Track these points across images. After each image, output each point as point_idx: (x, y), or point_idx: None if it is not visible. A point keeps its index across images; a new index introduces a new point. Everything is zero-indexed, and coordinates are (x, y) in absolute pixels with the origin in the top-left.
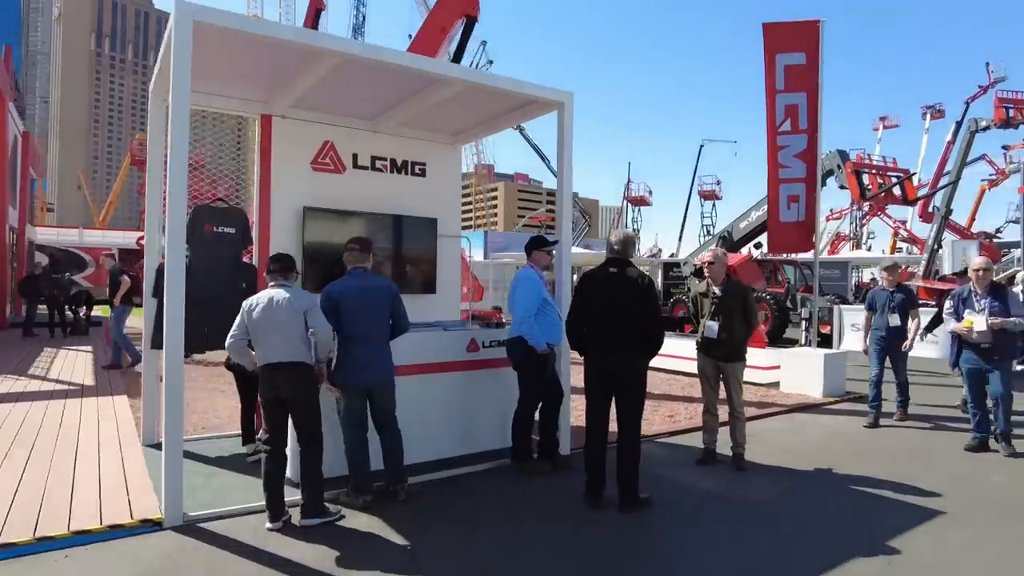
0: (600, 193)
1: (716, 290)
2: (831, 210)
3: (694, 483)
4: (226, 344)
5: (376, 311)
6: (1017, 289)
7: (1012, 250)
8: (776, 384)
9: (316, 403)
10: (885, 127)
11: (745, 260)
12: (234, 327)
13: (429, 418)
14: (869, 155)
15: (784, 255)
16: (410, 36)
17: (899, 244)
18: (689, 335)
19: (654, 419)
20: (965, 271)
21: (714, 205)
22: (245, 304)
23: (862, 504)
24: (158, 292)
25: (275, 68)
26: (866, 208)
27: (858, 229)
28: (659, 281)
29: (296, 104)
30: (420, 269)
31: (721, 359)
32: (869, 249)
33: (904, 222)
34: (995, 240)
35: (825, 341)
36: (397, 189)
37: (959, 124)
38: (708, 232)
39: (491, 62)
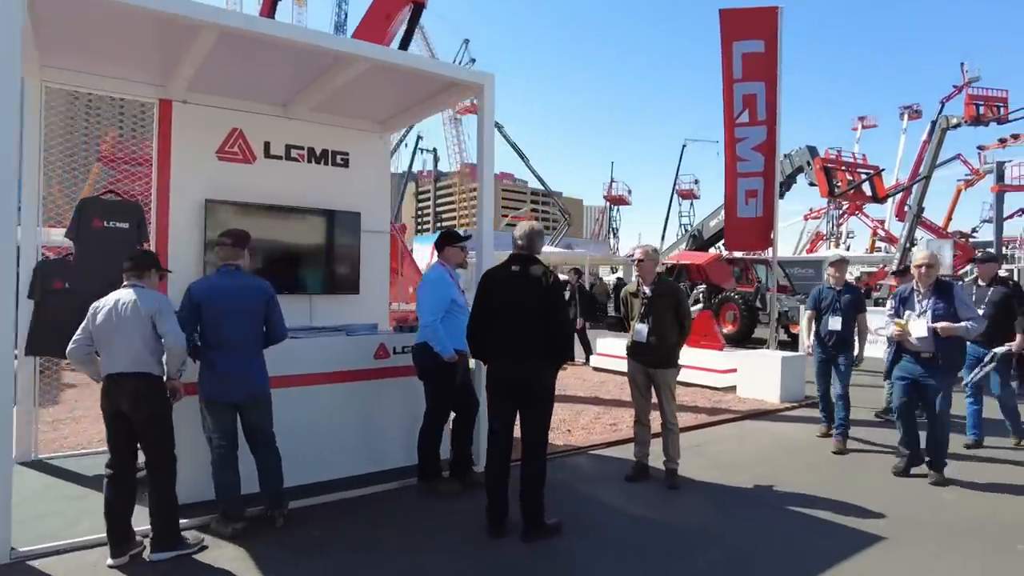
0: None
1: (646, 290)
2: (810, 209)
3: (618, 503)
4: (67, 351)
5: (246, 315)
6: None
7: (988, 250)
8: (733, 388)
9: (166, 421)
10: (864, 127)
11: (714, 259)
12: (78, 331)
13: (327, 433)
14: (839, 151)
15: (753, 253)
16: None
17: (878, 244)
18: None
19: (594, 427)
20: (907, 269)
21: (692, 204)
22: (91, 307)
23: (799, 527)
24: (33, 293)
25: (158, 45)
26: (844, 207)
27: (835, 228)
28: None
29: (196, 87)
30: (342, 268)
31: (651, 365)
32: (848, 248)
33: (882, 221)
34: (971, 240)
35: (796, 342)
36: (316, 181)
37: (934, 124)
38: (685, 231)
39: (473, 60)
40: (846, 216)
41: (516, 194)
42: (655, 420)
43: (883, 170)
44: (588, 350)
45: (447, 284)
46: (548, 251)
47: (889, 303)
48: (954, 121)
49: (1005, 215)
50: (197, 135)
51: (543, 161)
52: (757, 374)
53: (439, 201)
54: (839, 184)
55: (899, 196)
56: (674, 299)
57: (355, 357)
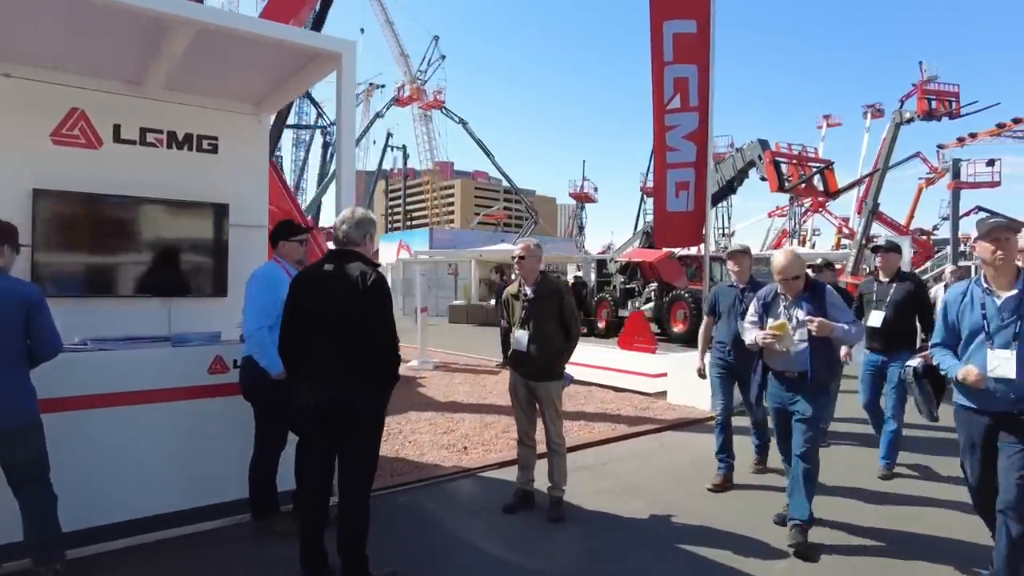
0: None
1: (528, 291)
2: (776, 206)
3: (483, 542)
4: None
5: None
6: (938, 287)
7: (947, 247)
8: (664, 394)
9: None
10: (829, 125)
11: (665, 257)
12: None
13: (140, 463)
14: (789, 144)
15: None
16: (362, 30)
17: (844, 241)
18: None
19: (497, 444)
20: (828, 265)
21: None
22: None
23: None
24: None
25: None
26: (806, 204)
27: (798, 226)
28: (592, 278)
29: (23, 59)
30: (205, 267)
31: (532, 377)
32: (813, 246)
33: (847, 219)
34: (932, 237)
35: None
36: (178, 168)
37: (899, 126)
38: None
39: (443, 57)
40: (809, 213)
41: (489, 192)
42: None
43: (833, 163)
44: None
45: (277, 285)
46: (505, 248)
47: (752, 307)
48: (907, 116)
49: (961, 212)
50: (23, 115)
51: (518, 160)
52: (689, 379)
53: (409, 199)
54: (789, 178)
55: (860, 193)
56: (557, 301)
57: (182, 372)
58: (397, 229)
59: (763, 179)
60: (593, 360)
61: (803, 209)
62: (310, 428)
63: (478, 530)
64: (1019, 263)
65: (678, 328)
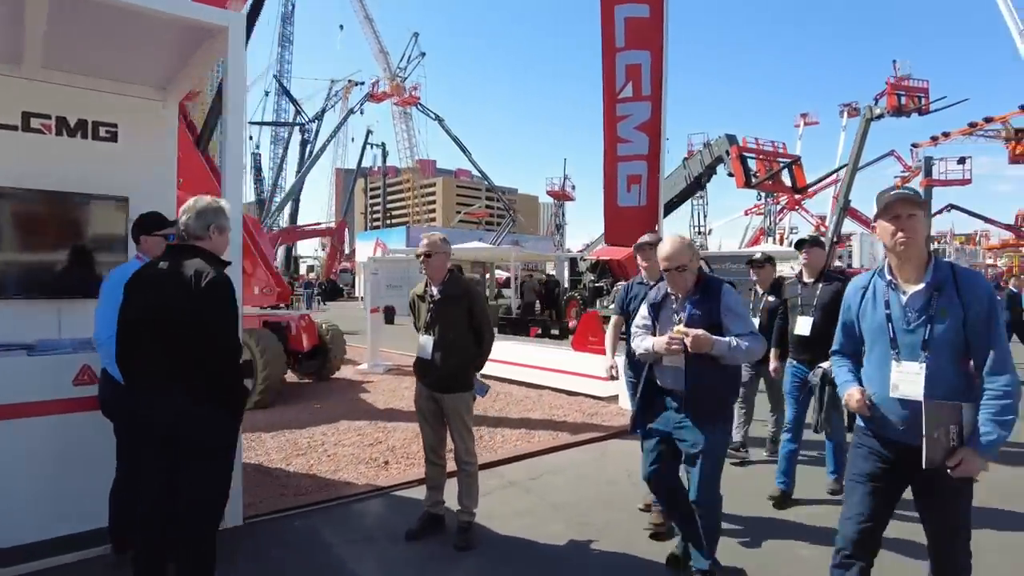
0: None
1: (434, 291)
2: (755, 204)
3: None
4: None
5: None
6: None
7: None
8: (616, 398)
9: None
10: (806, 124)
11: (632, 255)
12: None
13: None
14: (757, 140)
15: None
16: (341, 27)
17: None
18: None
19: (422, 458)
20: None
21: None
22: None
23: None
24: None
25: None
26: (783, 203)
27: (773, 224)
28: (565, 276)
29: None
30: (101, 266)
31: (437, 388)
32: (791, 244)
33: (824, 218)
34: None
35: None
36: (68, 158)
37: (869, 122)
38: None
39: (423, 54)
40: (785, 211)
41: (471, 190)
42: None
43: (800, 159)
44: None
45: None
46: (477, 247)
47: (642, 309)
48: (877, 112)
49: (934, 211)
50: None
51: (501, 159)
52: None
53: (390, 197)
54: (756, 174)
55: (836, 191)
56: (466, 302)
57: (41, 384)
58: (378, 227)
59: (730, 175)
60: (546, 362)
61: (779, 207)
62: (140, 450)
63: (368, 560)
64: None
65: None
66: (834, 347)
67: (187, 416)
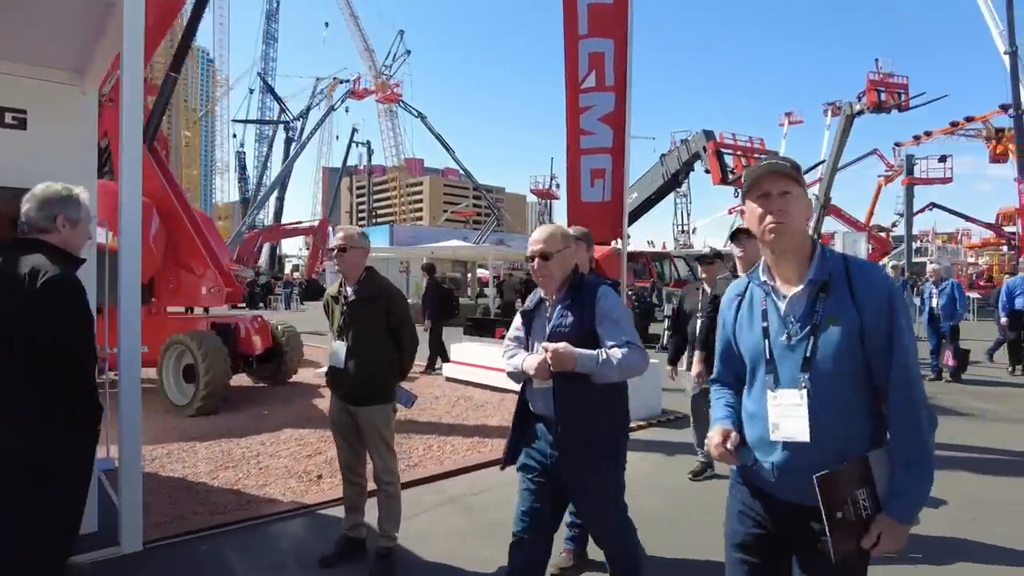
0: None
1: (349, 291)
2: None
3: None
4: None
5: None
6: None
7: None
8: None
9: None
10: (791, 123)
11: (609, 253)
12: None
13: None
14: (734, 135)
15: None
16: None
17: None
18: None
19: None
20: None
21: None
22: None
23: None
24: None
25: None
26: None
27: None
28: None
29: None
30: None
31: (351, 401)
32: None
33: (808, 218)
34: (891, 234)
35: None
36: None
37: (851, 118)
38: None
39: (408, 52)
40: None
41: (458, 189)
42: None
43: (777, 154)
44: (443, 356)
45: None
46: (453, 245)
47: (516, 319)
48: (857, 108)
49: (916, 209)
50: None
51: (489, 158)
52: None
53: (376, 196)
54: (733, 170)
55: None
56: (384, 303)
57: None
58: (364, 225)
59: (707, 171)
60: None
61: None
62: None
63: None
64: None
65: None
66: (712, 375)
67: (21, 440)
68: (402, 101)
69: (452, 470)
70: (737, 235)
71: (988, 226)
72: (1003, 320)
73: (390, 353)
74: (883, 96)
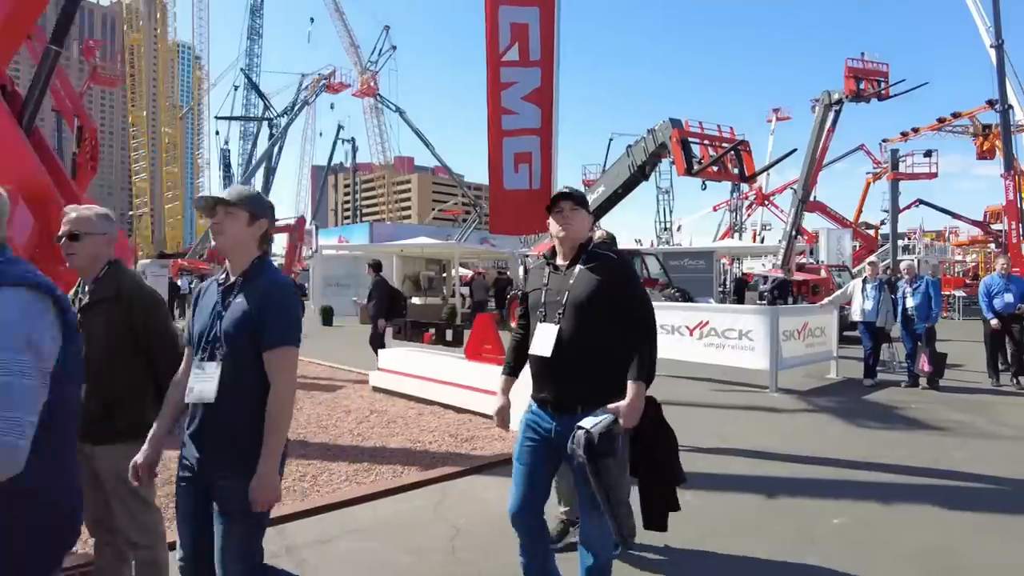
0: None
1: (84, 297)
2: (726, 200)
3: None
4: None
5: None
6: (854, 282)
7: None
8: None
9: None
10: (778, 119)
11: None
12: None
13: None
14: (701, 123)
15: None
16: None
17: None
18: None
19: None
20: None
21: None
22: None
23: None
24: None
25: None
26: (751, 198)
27: (739, 219)
28: (520, 274)
29: None
30: None
31: (85, 439)
32: (763, 241)
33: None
34: (879, 231)
35: None
36: None
37: (837, 113)
38: (598, 226)
39: (395, 47)
40: (753, 207)
41: (447, 187)
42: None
43: (746, 142)
44: None
45: None
46: (417, 242)
47: None
48: (835, 97)
49: (903, 206)
50: None
51: (481, 154)
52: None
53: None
54: (700, 160)
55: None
56: (124, 310)
57: None
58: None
59: (672, 162)
60: (437, 373)
61: (747, 203)
62: None
63: None
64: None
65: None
66: None
67: None
68: (379, 95)
69: (310, 508)
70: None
71: (975, 223)
72: (994, 323)
73: (136, 374)
74: (862, 84)
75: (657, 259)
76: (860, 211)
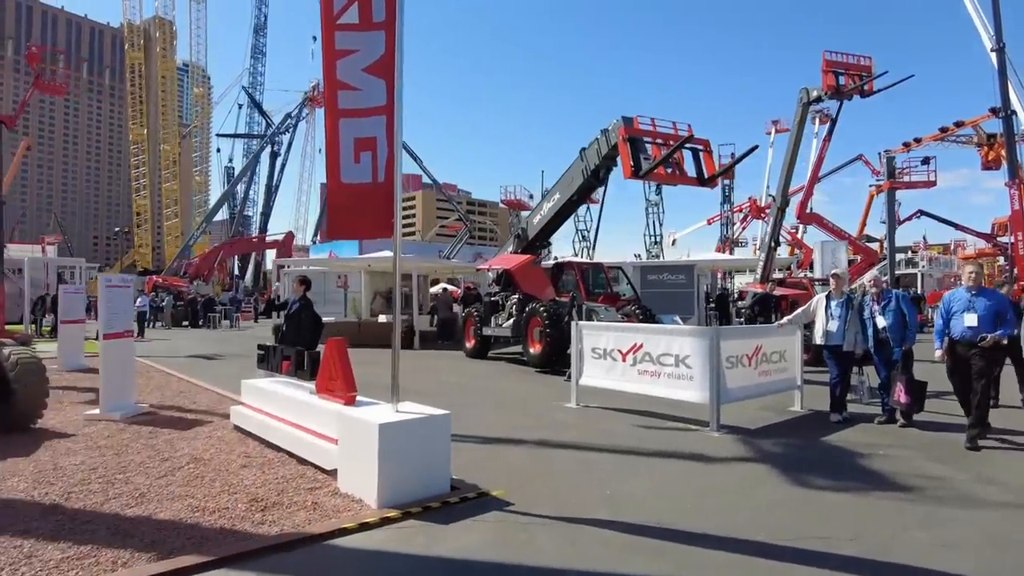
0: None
1: None
2: (719, 213)
3: None
4: None
5: None
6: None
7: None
8: (335, 473)
9: None
10: (777, 131)
11: (524, 263)
12: None
13: None
14: (653, 120)
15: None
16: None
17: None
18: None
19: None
20: None
21: (588, 209)
22: None
23: None
24: None
25: None
26: (745, 212)
27: (730, 231)
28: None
29: None
30: None
31: None
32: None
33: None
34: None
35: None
36: None
37: (834, 121)
38: (583, 237)
39: None
40: (749, 220)
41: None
42: None
43: (705, 140)
44: None
45: None
46: (373, 256)
47: None
48: (814, 94)
49: (904, 217)
50: None
51: (481, 174)
52: (360, 449)
53: None
54: (651, 158)
55: (799, 198)
56: None
57: None
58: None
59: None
60: (285, 411)
61: (743, 215)
62: None
63: None
64: None
65: (533, 349)
66: None
67: None
68: None
69: None
70: None
71: (981, 235)
72: (937, 354)
73: None
74: (842, 80)
75: (623, 272)
76: (864, 224)
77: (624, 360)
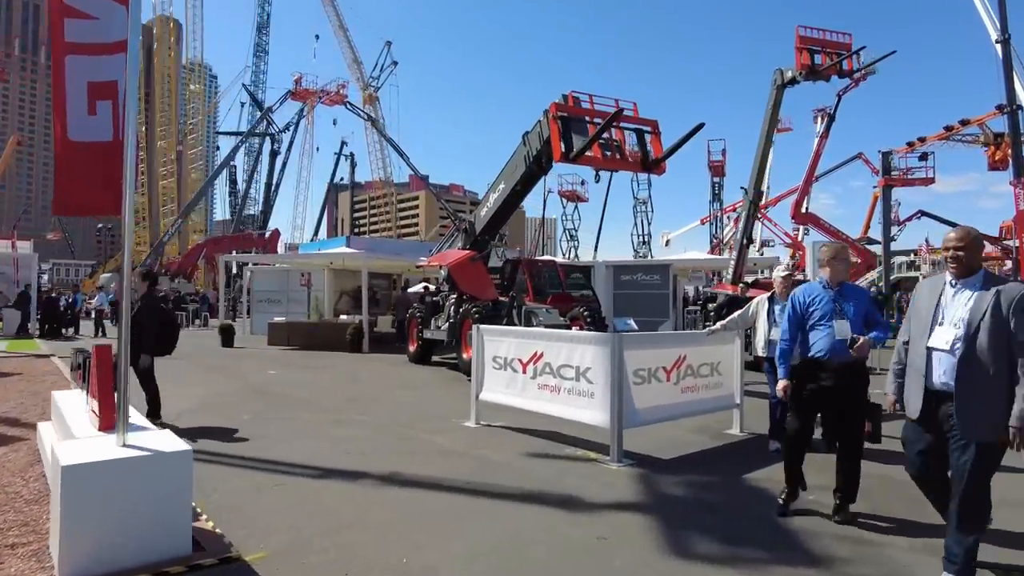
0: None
1: None
2: (713, 212)
3: None
4: None
5: None
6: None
7: (896, 256)
8: None
9: None
10: (778, 131)
11: (463, 260)
12: None
13: None
14: (591, 96)
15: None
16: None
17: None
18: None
19: None
20: None
21: (576, 207)
22: None
23: None
24: None
25: None
26: (739, 210)
27: (719, 231)
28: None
29: None
30: None
31: None
32: (761, 255)
33: (798, 231)
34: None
35: None
36: None
37: (831, 117)
38: (571, 236)
39: (396, 63)
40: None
41: (455, 203)
42: None
43: (653, 121)
44: (156, 404)
45: None
46: (336, 253)
47: None
48: (789, 75)
49: (904, 217)
50: None
51: (488, 170)
52: (55, 498)
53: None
54: (586, 140)
55: (794, 198)
56: None
57: None
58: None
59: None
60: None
61: (735, 215)
62: None
63: None
64: None
65: (466, 355)
66: None
67: None
68: (348, 103)
69: None
70: None
71: (986, 238)
72: (779, 386)
73: None
74: (818, 59)
75: (587, 273)
76: (868, 226)
77: (524, 372)
